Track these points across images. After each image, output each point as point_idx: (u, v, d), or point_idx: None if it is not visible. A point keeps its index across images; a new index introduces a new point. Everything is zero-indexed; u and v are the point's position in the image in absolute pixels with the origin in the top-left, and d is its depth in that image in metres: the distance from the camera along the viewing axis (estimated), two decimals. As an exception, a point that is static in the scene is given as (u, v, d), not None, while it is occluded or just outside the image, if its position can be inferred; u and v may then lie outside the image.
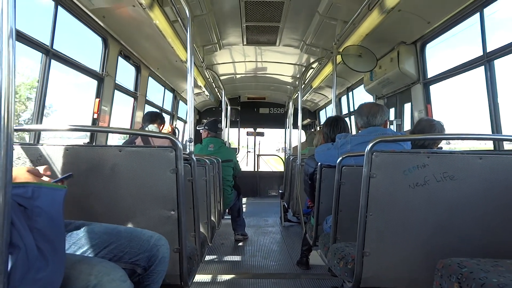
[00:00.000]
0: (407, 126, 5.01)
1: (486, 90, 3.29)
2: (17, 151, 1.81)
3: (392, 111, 5.43)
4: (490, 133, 3.29)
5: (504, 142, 3.27)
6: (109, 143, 4.58)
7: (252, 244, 5.01)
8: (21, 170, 1.29)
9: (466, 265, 1.52)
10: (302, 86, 6.02)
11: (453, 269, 1.55)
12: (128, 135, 3.92)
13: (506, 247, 1.83)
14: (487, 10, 3.21)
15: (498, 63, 3.22)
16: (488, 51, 3.23)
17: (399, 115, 5.16)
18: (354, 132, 6.15)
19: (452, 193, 1.84)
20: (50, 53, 3.22)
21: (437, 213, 1.85)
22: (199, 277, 3.48)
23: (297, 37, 5.62)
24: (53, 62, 3.28)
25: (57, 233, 1.15)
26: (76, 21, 3.57)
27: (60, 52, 3.37)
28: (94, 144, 4.12)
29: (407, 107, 4.94)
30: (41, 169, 1.38)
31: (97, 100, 4.17)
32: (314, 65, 6.21)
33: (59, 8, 3.26)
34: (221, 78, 7.32)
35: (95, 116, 4.14)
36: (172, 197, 1.85)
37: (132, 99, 5.42)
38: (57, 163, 1.84)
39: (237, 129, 10.95)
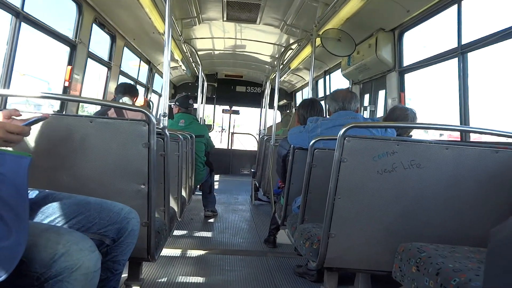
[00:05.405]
0: (380, 112, 5.10)
1: (458, 82, 3.37)
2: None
3: (366, 97, 5.51)
4: (458, 124, 3.39)
5: (471, 134, 3.38)
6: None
7: (221, 221, 5.05)
8: None
9: (425, 250, 1.59)
10: (280, 67, 6.00)
11: (412, 253, 1.61)
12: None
13: (464, 234, 1.92)
14: (464, 3, 3.27)
15: (471, 56, 3.30)
16: (462, 43, 3.30)
17: (373, 101, 5.23)
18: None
19: (418, 181, 1.90)
20: (20, 15, 3.08)
21: (403, 199, 1.91)
22: (167, 251, 3.50)
23: (278, 17, 5.57)
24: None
25: (21, 201, 1.12)
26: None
27: (31, 15, 3.23)
28: (64, 113, 4.01)
29: (381, 94, 5.02)
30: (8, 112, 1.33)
31: (69, 67, 4.03)
32: (293, 46, 6.19)
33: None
34: (199, 53, 7.21)
35: (66, 84, 4.01)
36: (143, 171, 1.83)
37: (105, 69, 5.27)
38: (25, 131, 1.78)
39: (213, 106, 10.87)
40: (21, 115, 1.34)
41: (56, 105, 4.17)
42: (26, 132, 1.31)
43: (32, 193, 1.51)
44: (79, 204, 1.52)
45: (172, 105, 4.98)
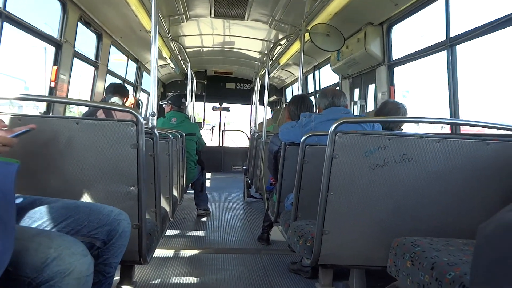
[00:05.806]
0: (370, 107, 5.10)
1: (447, 75, 3.38)
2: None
3: (356, 91, 5.51)
4: (448, 117, 3.40)
5: (461, 126, 3.40)
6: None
7: (214, 219, 5.03)
8: None
9: (419, 244, 1.58)
10: (270, 63, 5.98)
11: (407, 247, 1.60)
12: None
13: (457, 227, 1.92)
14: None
15: (459, 48, 3.31)
16: (451, 36, 3.31)
17: (363, 95, 5.24)
18: (319, 110, 6.21)
19: (410, 175, 1.89)
20: (2, 15, 3.02)
21: (395, 193, 1.91)
22: (160, 252, 3.47)
23: (266, 12, 5.54)
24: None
25: (7, 208, 1.10)
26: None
27: (14, 15, 3.16)
28: (50, 114, 3.94)
29: (371, 88, 5.02)
30: None
31: (55, 68, 3.96)
32: (282, 42, 6.17)
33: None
34: (187, 50, 7.15)
35: (52, 85, 3.94)
36: (132, 173, 1.80)
37: (92, 69, 5.20)
38: (9, 134, 1.74)
39: (203, 103, 10.83)
40: (6, 126, 1.34)
41: (41, 106, 4.10)
42: (14, 143, 1.31)
43: (19, 199, 1.49)
44: (68, 207, 1.49)
45: (164, 104, 4.96)
